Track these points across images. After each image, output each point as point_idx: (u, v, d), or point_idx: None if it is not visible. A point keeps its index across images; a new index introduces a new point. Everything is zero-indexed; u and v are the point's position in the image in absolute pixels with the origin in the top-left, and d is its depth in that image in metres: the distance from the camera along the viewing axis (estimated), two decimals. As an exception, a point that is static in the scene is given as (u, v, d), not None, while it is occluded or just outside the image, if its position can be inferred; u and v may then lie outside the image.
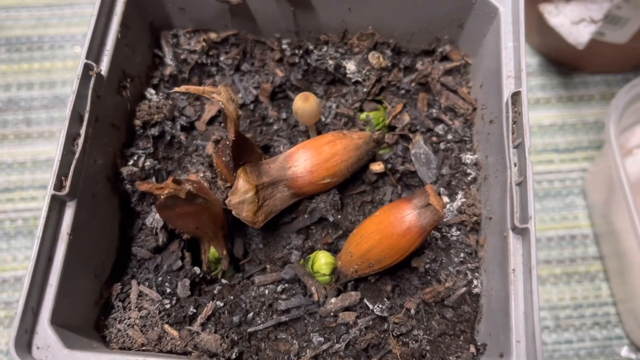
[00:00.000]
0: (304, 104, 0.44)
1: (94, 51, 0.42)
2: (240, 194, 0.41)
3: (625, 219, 0.56)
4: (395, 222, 0.40)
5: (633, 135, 0.66)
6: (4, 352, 0.62)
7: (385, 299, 0.42)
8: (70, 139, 0.38)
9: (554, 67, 0.75)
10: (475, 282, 0.43)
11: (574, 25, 0.63)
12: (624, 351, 0.61)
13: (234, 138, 0.40)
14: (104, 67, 0.42)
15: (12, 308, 0.63)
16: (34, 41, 0.76)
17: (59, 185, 0.37)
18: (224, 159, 0.44)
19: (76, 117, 0.39)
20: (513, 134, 0.39)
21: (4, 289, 0.64)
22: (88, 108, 0.40)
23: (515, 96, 0.40)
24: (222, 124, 0.47)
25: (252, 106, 0.51)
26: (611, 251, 0.63)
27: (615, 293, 0.63)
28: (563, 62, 0.75)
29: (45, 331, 0.35)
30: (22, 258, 0.66)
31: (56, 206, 0.37)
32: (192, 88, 0.37)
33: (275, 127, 0.50)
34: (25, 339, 0.35)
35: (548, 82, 0.74)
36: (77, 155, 0.38)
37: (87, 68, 0.40)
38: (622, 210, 0.57)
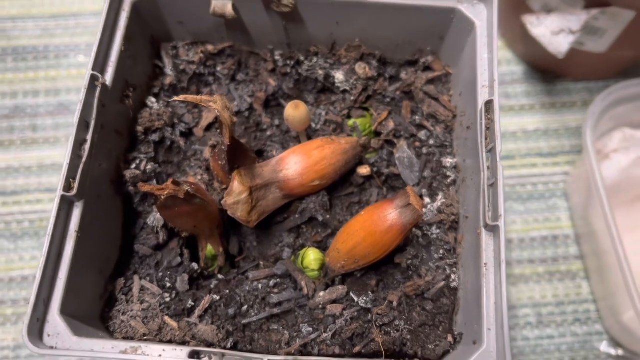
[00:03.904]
0: (294, 111, 0.47)
1: (100, 63, 0.45)
2: (235, 195, 0.44)
3: (601, 220, 0.58)
4: (379, 220, 0.42)
5: (610, 141, 0.67)
6: (11, 347, 0.63)
7: (369, 292, 0.45)
8: (78, 144, 0.42)
9: (538, 75, 0.77)
10: (453, 276, 0.45)
11: (554, 36, 0.65)
12: (603, 346, 0.63)
13: (229, 143, 0.42)
14: (108, 77, 0.45)
15: (20, 306, 0.65)
16: (40, 50, 0.78)
17: (67, 187, 0.40)
18: (220, 162, 0.47)
19: (83, 124, 0.42)
20: (486, 139, 0.42)
21: (12, 288, 0.66)
22: (94, 116, 0.43)
23: (489, 104, 0.43)
24: (219, 131, 0.50)
25: (247, 113, 0.53)
26: (591, 251, 0.65)
27: (595, 291, 0.65)
28: (546, 70, 0.77)
29: (55, 320, 0.38)
30: (29, 258, 0.67)
31: (65, 206, 0.40)
32: (190, 97, 0.40)
33: (268, 133, 0.53)
34: (37, 327, 0.37)
35: (532, 89, 0.77)
36: (84, 160, 0.41)
37: (93, 79, 0.43)
38: (599, 212, 0.59)
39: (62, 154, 0.73)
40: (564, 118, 0.75)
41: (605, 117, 0.65)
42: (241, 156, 0.46)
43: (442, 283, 0.45)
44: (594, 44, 0.68)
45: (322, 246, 0.49)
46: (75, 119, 0.41)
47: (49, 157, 0.72)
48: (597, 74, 0.76)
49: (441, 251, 0.47)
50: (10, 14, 0.81)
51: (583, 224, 0.66)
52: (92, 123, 0.42)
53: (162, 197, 0.39)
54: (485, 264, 0.40)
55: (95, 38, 0.45)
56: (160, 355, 0.37)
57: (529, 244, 0.69)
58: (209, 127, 0.53)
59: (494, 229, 0.40)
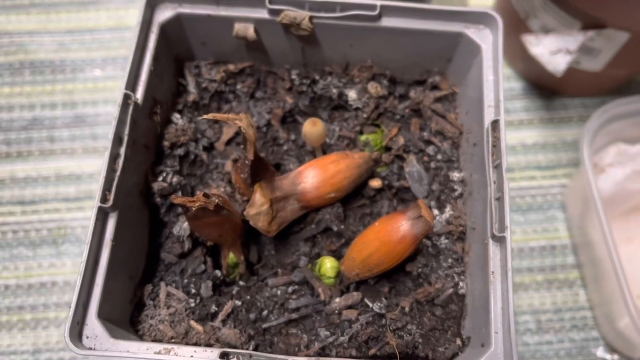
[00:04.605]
0: (312, 128, 0.50)
1: (131, 82, 0.48)
2: (257, 207, 0.47)
3: (598, 230, 0.60)
4: (392, 231, 0.45)
5: (606, 155, 0.69)
6: (31, 352, 0.64)
7: (383, 299, 0.48)
8: (113, 158, 0.44)
9: (536, 91, 0.79)
10: (461, 284, 0.48)
11: (552, 55, 0.66)
12: (600, 351, 0.64)
13: (252, 159, 0.45)
14: (139, 95, 0.48)
15: (39, 311, 0.66)
16: (57, 64, 0.80)
17: (103, 199, 0.43)
18: (242, 176, 0.49)
19: (117, 140, 0.45)
20: (493, 155, 0.45)
21: (30, 294, 0.67)
22: (127, 132, 0.45)
23: (495, 123, 0.46)
24: (242, 147, 0.53)
25: (264, 129, 0.56)
26: (587, 260, 0.67)
27: (592, 298, 0.66)
28: (544, 87, 0.79)
29: (93, 323, 0.41)
30: (47, 265, 0.69)
31: (101, 217, 0.43)
32: (218, 116, 0.43)
33: (285, 147, 0.56)
34: (76, 330, 0.40)
35: (531, 104, 0.79)
36: (118, 173, 0.44)
37: (126, 97, 0.46)
38: (595, 223, 0.60)
39: (78, 165, 0.74)
40: (561, 132, 0.77)
41: (601, 133, 0.67)
42: (262, 170, 0.48)
43: (451, 290, 0.48)
44: (589, 63, 0.70)
45: (337, 255, 0.51)
46: (110, 134, 0.44)
47: (66, 168, 0.74)
48: (592, 91, 0.78)
49: (449, 260, 0.49)
50: (28, 29, 0.82)
51: (580, 234, 0.68)
52: (125, 138, 0.45)
53: (193, 209, 0.41)
54: (493, 272, 0.43)
55: (128, 59, 0.47)
56: (191, 356, 0.40)
57: (528, 253, 0.70)
58: (229, 142, 0.55)
59: (500, 240, 0.43)
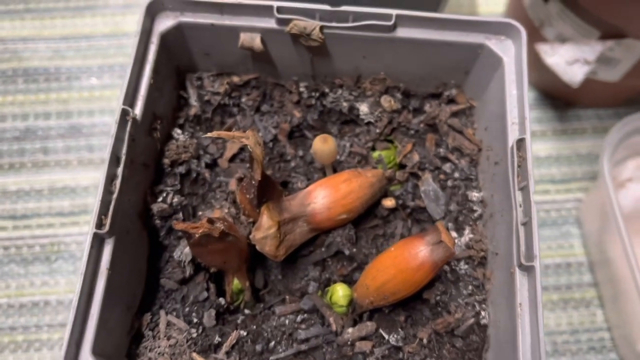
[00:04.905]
0: (322, 145, 0.47)
1: (129, 97, 0.45)
2: (264, 230, 0.44)
3: (618, 247, 0.58)
4: (410, 257, 0.42)
5: (625, 169, 0.68)
6: None
7: (399, 329, 0.45)
8: (109, 180, 0.41)
9: (549, 101, 0.77)
10: (482, 313, 0.45)
11: (569, 65, 0.65)
12: None
13: (259, 179, 0.43)
14: (138, 111, 0.45)
15: (31, 332, 0.64)
16: (51, 72, 0.77)
17: (99, 224, 0.40)
18: (248, 196, 0.46)
19: (114, 160, 0.42)
20: (518, 177, 0.42)
21: (22, 314, 0.65)
22: (124, 151, 0.42)
23: (520, 142, 0.43)
24: (248, 165, 0.50)
25: (271, 144, 0.53)
26: (605, 278, 0.65)
27: (610, 319, 0.65)
28: (557, 97, 0.77)
29: (87, 361, 0.38)
30: (40, 283, 0.66)
31: (96, 244, 0.40)
32: (223, 133, 0.40)
33: (292, 164, 0.53)
34: None
35: (544, 115, 0.77)
36: (115, 196, 0.41)
37: (124, 113, 0.43)
38: (615, 239, 0.59)
39: (73, 178, 0.72)
40: (575, 145, 0.76)
41: (620, 147, 0.65)
42: (269, 190, 0.46)
43: (472, 320, 0.45)
44: (606, 73, 0.68)
45: (348, 279, 0.48)
46: (106, 154, 0.41)
47: (60, 180, 0.72)
48: (607, 102, 0.77)
49: (470, 287, 0.47)
50: (22, 35, 0.80)
51: (597, 251, 0.66)
52: (123, 158, 0.42)
53: (197, 235, 0.38)
54: (520, 304, 0.40)
55: (126, 71, 0.44)
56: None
57: (542, 271, 0.68)
58: (233, 158, 0.53)
59: (528, 269, 0.40)
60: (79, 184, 0.71)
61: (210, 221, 0.39)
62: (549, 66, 0.64)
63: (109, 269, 0.40)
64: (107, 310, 0.40)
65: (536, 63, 0.70)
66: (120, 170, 0.42)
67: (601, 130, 0.76)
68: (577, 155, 0.75)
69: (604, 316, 0.66)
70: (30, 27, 0.81)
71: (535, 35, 0.70)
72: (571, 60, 0.65)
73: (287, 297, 0.48)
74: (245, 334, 0.45)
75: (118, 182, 0.41)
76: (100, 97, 0.77)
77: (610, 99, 0.76)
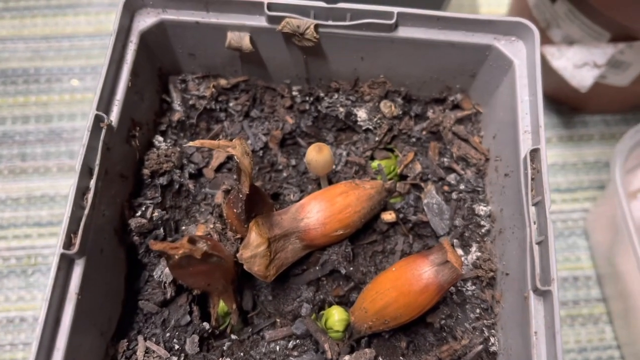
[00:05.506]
0: (317, 154, 0.43)
1: (104, 101, 0.41)
2: (253, 248, 0.40)
3: (630, 260, 0.56)
4: (413, 279, 0.39)
5: (635, 179, 0.66)
6: None
7: (400, 357, 0.41)
8: (80, 194, 0.37)
9: (554, 106, 0.75)
10: (492, 339, 0.42)
11: (577, 69, 0.63)
12: None
13: (247, 192, 0.39)
14: (114, 117, 0.41)
15: (5, 351, 0.61)
16: (31, 74, 0.75)
17: (67, 244, 0.36)
18: (235, 210, 0.43)
19: (86, 171, 0.38)
20: (532, 191, 0.39)
21: None
22: (98, 161, 0.38)
23: (534, 153, 0.40)
24: (235, 177, 0.46)
25: (261, 153, 0.50)
26: (615, 293, 0.63)
27: (619, 336, 0.63)
28: (563, 102, 0.75)
29: (52, 399, 0.34)
30: (15, 298, 0.64)
31: (64, 265, 0.36)
32: (207, 143, 0.37)
33: (284, 174, 0.50)
34: None
35: (549, 121, 0.75)
36: (86, 211, 0.37)
37: (97, 120, 0.39)
38: (627, 252, 0.57)
39: (52, 185, 0.69)
40: (582, 152, 0.74)
41: (631, 155, 0.63)
42: (259, 203, 0.42)
43: (480, 347, 0.41)
44: (616, 77, 0.66)
45: (344, 300, 0.45)
46: (77, 165, 0.37)
47: (38, 189, 0.69)
48: (614, 107, 0.75)
49: (477, 310, 0.43)
50: (0, 35, 0.78)
51: (606, 264, 0.64)
52: (96, 169, 0.38)
53: (176, 257, 0.34)
54: (536, 332, 0.36)
55: (100, 74, 0.41)
56: None
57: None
58: (219, 168, 0.50)
59: (544, 294, 0.36)
60: (58, 192, 0.69)
61: (192, 240, 0.35)
62: (555, 70, 0.63)
63: (78, 294, 0.36)
64: (77, 338, 0.36)
65: (541, 66, 0.68)
66: (93, 182, 0.38)
67: (609, 137, 0.74)
68: (583, 163, 0.73)
69: (614, 333, 0.64)
70: (9, 27, 0.78)
71: (541, 37, 0.67)
72: (580, 63, 0.63)
73: (277, 320, 0.44)
74: (231, 361, 0.41)
75: (90, 195, 0.37)
76: (82, 100, 0.74)
77: (618, 104, 0.74)
